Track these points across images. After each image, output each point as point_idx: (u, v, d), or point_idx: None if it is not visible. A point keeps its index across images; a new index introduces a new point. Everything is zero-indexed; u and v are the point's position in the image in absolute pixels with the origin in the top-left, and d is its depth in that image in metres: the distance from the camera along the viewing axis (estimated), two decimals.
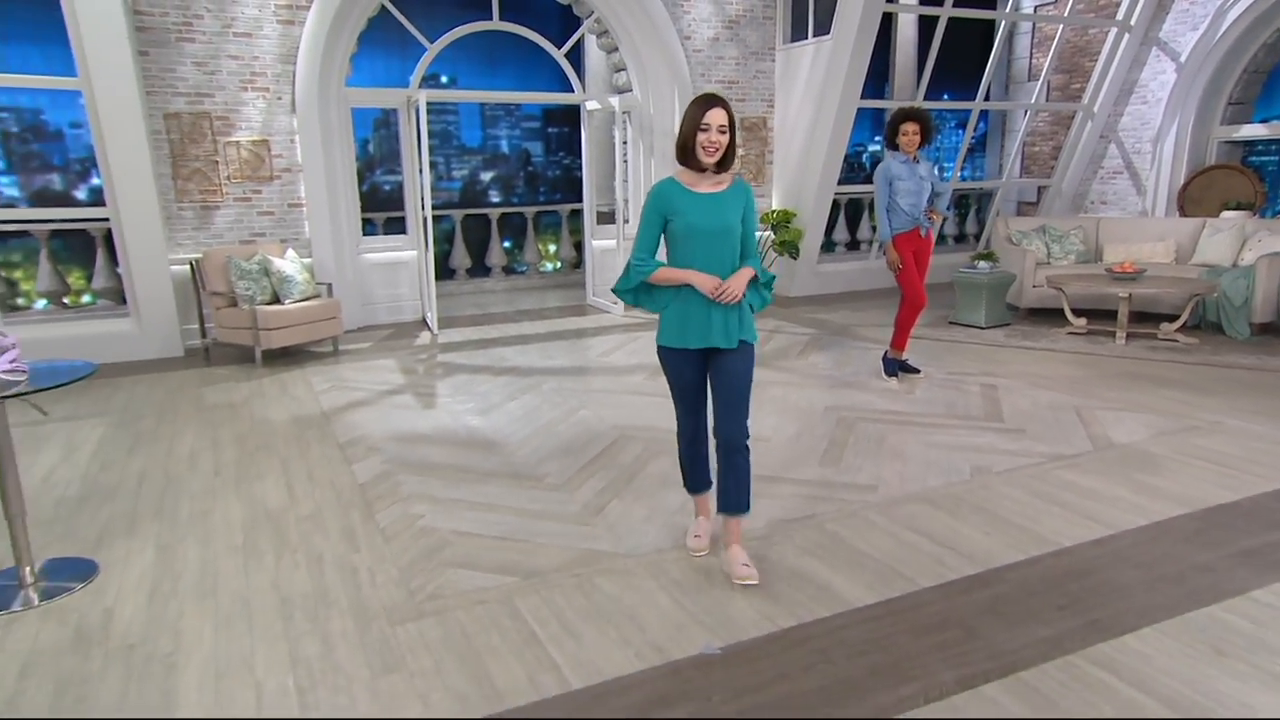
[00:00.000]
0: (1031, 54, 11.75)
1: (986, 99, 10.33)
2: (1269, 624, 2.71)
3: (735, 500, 3.06)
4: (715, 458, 3.12)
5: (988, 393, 5.51)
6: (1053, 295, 7.55)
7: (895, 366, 5.92)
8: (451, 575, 3.12)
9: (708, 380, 3.05)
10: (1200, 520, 3.50)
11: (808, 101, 9.13)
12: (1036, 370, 6.08)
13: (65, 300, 8.32)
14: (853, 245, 11.11)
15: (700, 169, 2.86)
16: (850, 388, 5.70)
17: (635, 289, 3.00)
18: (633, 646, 2.65)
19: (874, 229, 10.28)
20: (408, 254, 8.56)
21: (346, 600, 2.96)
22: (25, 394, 2.90)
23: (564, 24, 9.60)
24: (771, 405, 5.27)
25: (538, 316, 8.82)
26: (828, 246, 10.83)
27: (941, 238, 11.66)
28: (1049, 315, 7.80)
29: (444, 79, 13.18)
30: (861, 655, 2.59)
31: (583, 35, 9.27)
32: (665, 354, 3.03)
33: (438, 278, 9.79)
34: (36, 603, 2.98)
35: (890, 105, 10.34)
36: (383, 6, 7.85)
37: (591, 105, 9.08)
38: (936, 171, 5.81)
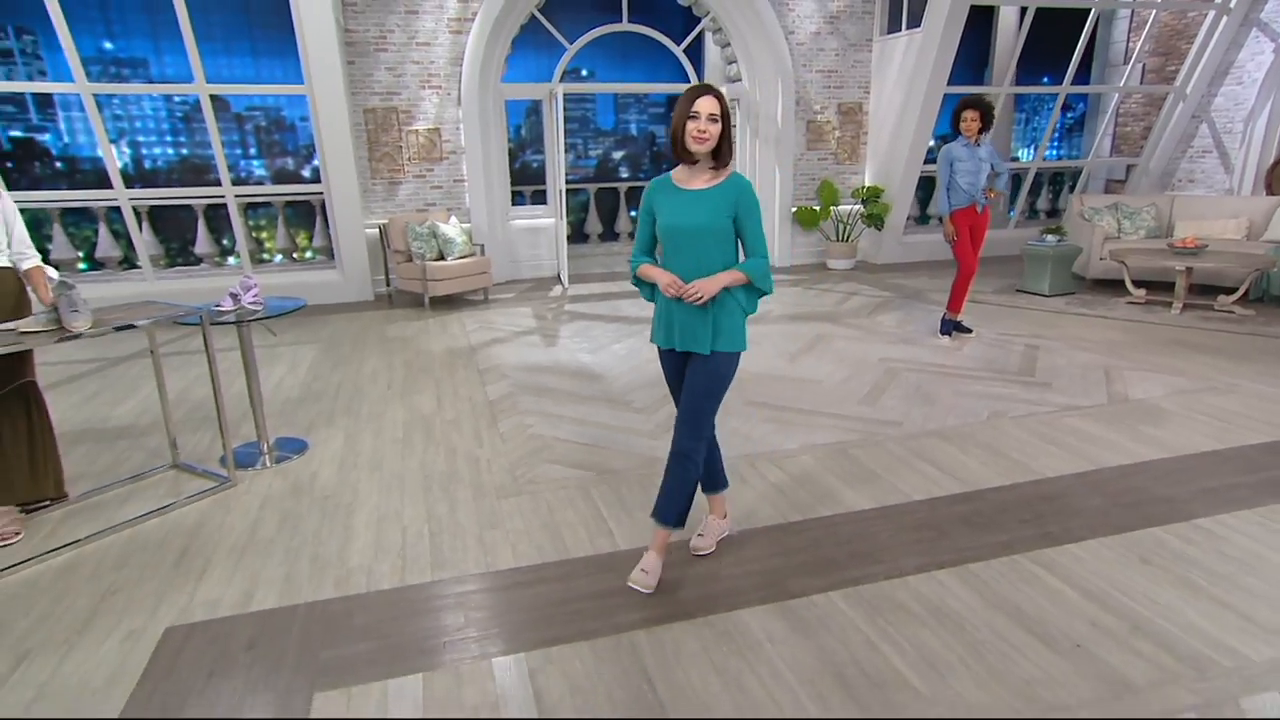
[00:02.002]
0: (1129, 37, 10.84)
1: (1086, 81, 9.71)
2: (1200, 544, 2.82)
3: (661, 505, 2.60)
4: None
5: (1028, 351, 5.49)
6: (1117, 268, 7.23)
7: (950, 326, 5.96)
8: (546, 468, 3.65)
9: None
10: (1178, 463, 3.54)
11: (899, 88, 8.95)
12: (1082, 334, 5.95)
13: (294, 255, 9.50)
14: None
15: (692, 161, 2.43)
16: (906, 343, 5.81)
17: (638, 283, 2.67)
18: None
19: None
20: (547, 221, 9.16)
21: (469, 479, 3.55)
22: (262, 319, 3.61)
23: (687, 23, 9.78)
24: (831, 355, 5.50)
25: None
26: (923, 220, 10.60)
27: (1033, 213, 11.12)
28: (1113, 286, 7.48)
29: (584, 73, 13.68)
30: (845, 544, 2.91)
31: (701, 32, 9.43)
32: (660, 353, 2.67)
33: (573, 242, 10.43)
34: (269, 465, 3.76)
35: (979, 91, 9.93)
36: (532, 15, 8.34)
37: None
38: (996, 154, 5.73)
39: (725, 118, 2.40)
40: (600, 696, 2.11)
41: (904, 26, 8.88)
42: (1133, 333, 5.99)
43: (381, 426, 4.27)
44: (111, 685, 2.20)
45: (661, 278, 2.47)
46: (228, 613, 2.54)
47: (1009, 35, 12.34)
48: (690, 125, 2.36)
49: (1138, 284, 7.04)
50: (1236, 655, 2.22)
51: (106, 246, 8.54)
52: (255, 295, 3.64)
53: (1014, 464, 3.59)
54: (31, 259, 3.15)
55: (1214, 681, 2.11)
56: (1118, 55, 11.16)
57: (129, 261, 8.56)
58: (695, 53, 9.60)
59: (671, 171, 2.52)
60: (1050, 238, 7.37)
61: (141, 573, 2.80)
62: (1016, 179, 10.76)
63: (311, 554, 2.91)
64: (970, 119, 5.48)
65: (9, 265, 3.11)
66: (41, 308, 3.00)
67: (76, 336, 2.91)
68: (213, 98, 7.27)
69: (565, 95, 8.25)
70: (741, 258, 2.54)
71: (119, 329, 3.09)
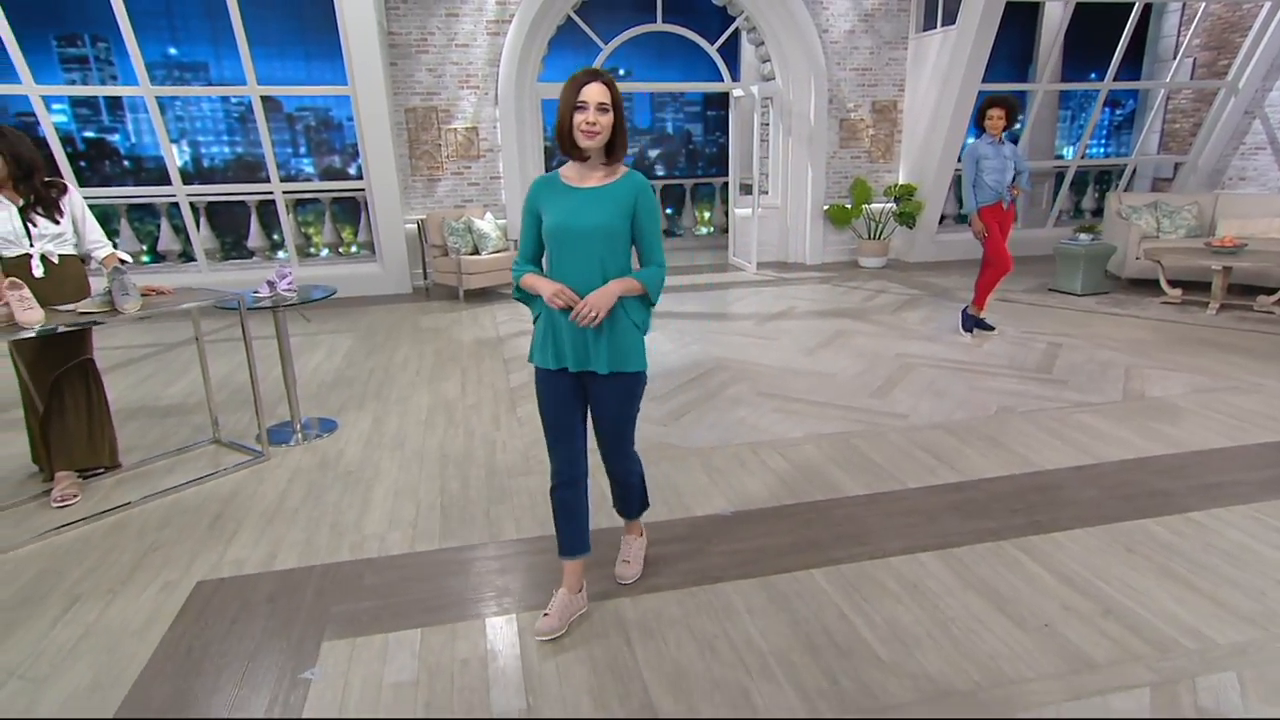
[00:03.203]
0: (1179, 31, 10.54)
1: (1135, 78, 9.47)
2: (1188, 536, 2.84)
3: (628, 509, 2.66)
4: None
5: (1050, 350, 5.46)
6: (1152, 267, 7.09)
7: (972, 323, 5.95)
8: None
9: (586, 408, 2.36)
10: (1183, 459, 3.53)
11: (934, 86, 8.89)
12: (1108, 333, 5.88)
13: (340, 250, 9.91)
14: None
15: (582, 157, 2.15)
16: (926, 340, 5.83)
17: (520, 296, 2.33)
18: (669, 505, 3.23)
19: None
20: None
21: (483, 459, 3.75)
22: (296, 305, 3.86)
23: (722, 22, 9.87)
24: (850, 350, 5.55)
25: (685, 272, 9.37)
26: (961, 220, 10.48)
27: (1078, 212, 10.89)
28: (1148, 287, 7.33)
29: (621, 72, 13.86)
30: (835, 526, 3.01)
31: (736, 31, 9.51)
32: (536, 375, 2.33)
33: None
34: (300, 442, 4.01)
35: (1018, 88, 9.79)
36: (569, 16, 8.54)
37: (737, 92, 9.36)
38: (1019, 153, 5.71)
39: (617, 107, 2.13)
40: (581, 654, 2.27)
41: (939, 23, 8.82)
42: (1162, 332, 5.89)
43: (407, 410, 4.50)
44: (147, 628, 2.44)
45: (547, 287, 2.15)
46: (252, 571, 2.78)
47: (1053, 32, 12.12)
48: (578, 117, 2.09)
49: (1174, 284, 6.90)
50: (1201, 638, 2.26)
51: (167, 240, 9.06)
52: (290, 283, 3.89)
53: (1013, 456, 3.63)
54: (105, 248, 3.48)
55: (1174, 661, 2.16)
56: (1167, 50, 10.86)
57: (187, 255, 9.06)
58: (730, 52, 9.69)
59: (559, 169, 2.26)
60: (1083, 236, 7.26)
61: (180, 533, 3.06)
62: (1058, 177, 10.57)
63: (331, 522, 3.14)
64: (996, 117, 5.47)
65: (74, 253, 3.42)
66: (100, 291, 3.29)
67: (129, 317, 3.19)
68: (264, 99, 7.67)
69: None
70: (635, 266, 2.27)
71: (164, 311, 3.37)
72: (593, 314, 2.11)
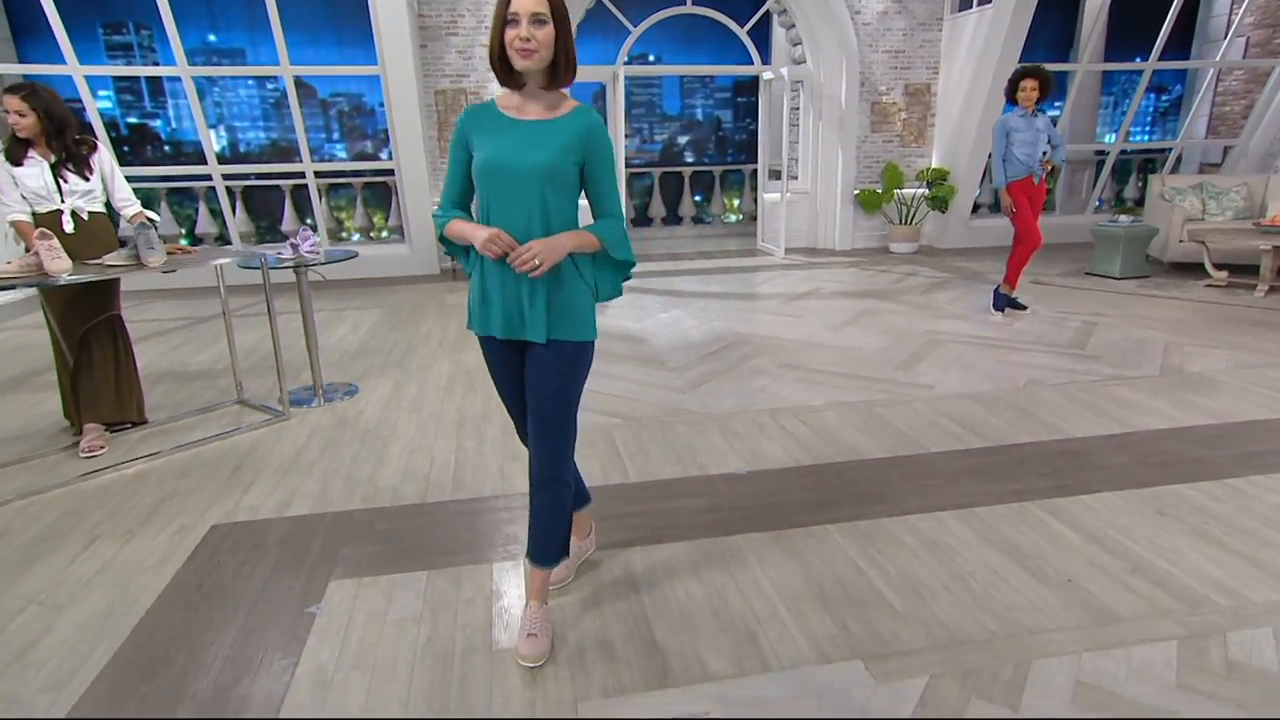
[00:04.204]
0: (1231, 9, 10.16)
1: (1184, 59, 9.16)
2: (1225, 501, 2.71)
3: (537, 546, 2.00)
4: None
5: (1084, 328, 5.29)
6: (1197, 250, 6.84)
7: (1004, 302, 5.79)
8: (581, 415, 3.79)
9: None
10: (1222, 430, 3.39)
11: (969, 67, 8.69)
12: (1148, 313, 5.68)
13: (371, 235, 10.03)
14: None
15: (519, 84, 1.81)
16: (954, 318, 5.69)
17: (449, 249, 2.02)
18: (683, 464, 3.18)
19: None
20: None
21: (499, 421, 3.74)
22: (314, 264, 3.89)
23: (752, 4, 9.77)
24: (876, 327, 5.45)
25: (712, 256, 9.30)
26: (995, 208, 10.24)
27: (1120, 201, 10.57)
28: (1191, 270, 7.08)
29: (651, 57, 13.86)
30: (852, 486, 2.94)
31: (767, 14, 9.40)
32: (481, 343, 2.00)
33: (636, 225, 10.60)
34: (321, 404, 4.05)
35: (1057, 68, 9.52)
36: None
37: (767, 75, 9.26)
38: (1054, 127, 5.54)
39: (559, 18, 1.74)
40: (585, 596, 2.24)
41: (975, 3, 8.61)
42: (1205, 313, 5.68)
43: (427, 378, 4.52)
44: (162, 564, 2.47)
45: (478, 233, 1.78)
46: (266, 516, 2.80)
47: (1095, 10, 11.78)
48: (509, 34, 1.73)
49: (1220, 267, 6.64)
50: (1235, 596, 2.15)
51: (205, 224, 9.27)
52: (313, 245, 3.92)
53: (1042, 424, 3.51)
54: (133, 206, 3.54)
55: (1205, 617, 2.06)
56: (1218, 29, 10.49)
57: (224, 239, 9.25)
58: (761, 34, 9.58)
59: (495, 97, 1.90)
60: (1123, 218, 7.04)
61: (199, 483, 3.10)
62: (1098, 164, 10.27)
63: (347, 475, 3.15)
64: (1029, 88, 5.32)
65: (102, 210, 3.49)
66: (126, 245, 3.35)
67: (154, 270, 3.24)
68: (297, 83, 7.78)
69: (629, 78, 8.40)
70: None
71: (189, 267, 3.42)
72: (535, 260, 1.72)
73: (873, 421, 3.61)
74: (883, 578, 2.30)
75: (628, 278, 2.03)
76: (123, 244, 3.44)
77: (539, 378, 1.90)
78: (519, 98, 1.84)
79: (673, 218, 11.15)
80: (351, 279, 7.93)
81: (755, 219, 10.87)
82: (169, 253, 3.44)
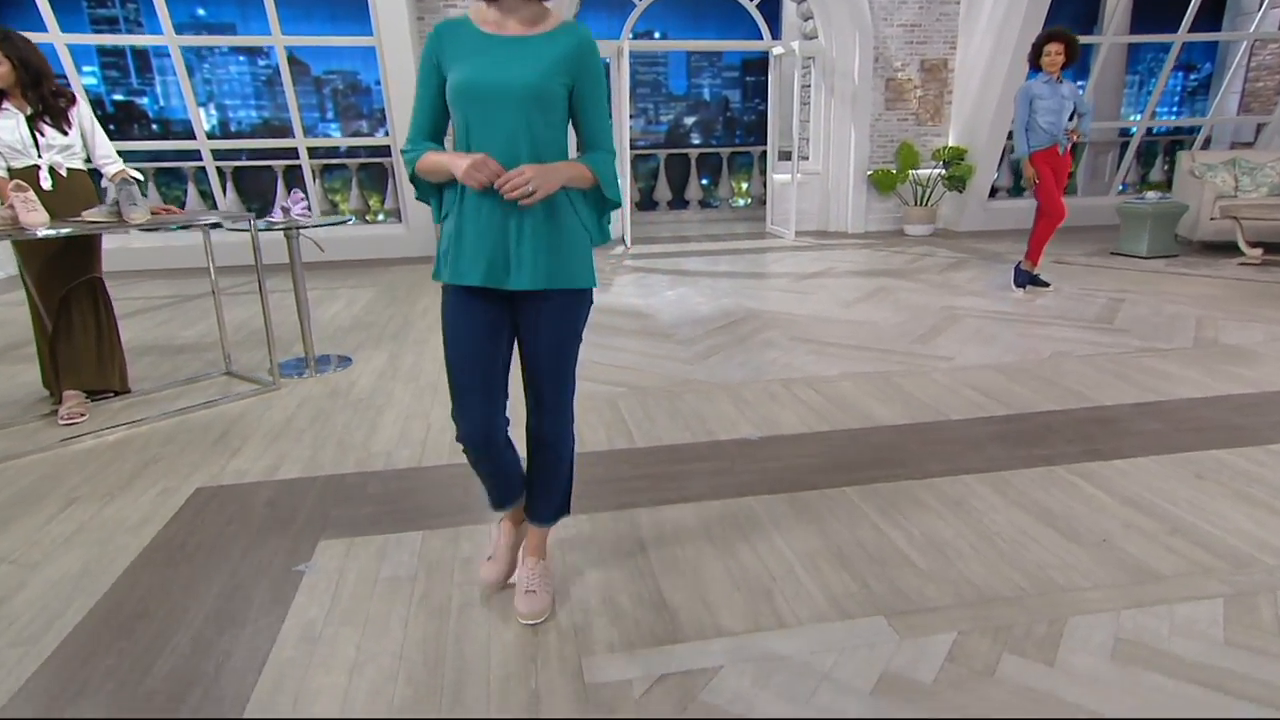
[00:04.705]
0: None
1: (1212, 30, 9.07)
2: (1269, 465, 2.65)
3: (538, 506, 1.97)
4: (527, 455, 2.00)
5: (1111, 304, 5.22)
6: (1229, 228, 6.75)
7: (1025, 278, 5.72)
8: (583, 385, 3.71)
9: (513, 346, 1.84)
10: (1261, 398, 3.31)
11: (988, 41, 8.60)
12: (1178, 290, 5.60)
13: (366, 218, 9.99)
14: None
15: None
16: (973, 295, 5.62)
17: (419, 191, 1.79)
18: (691, 430, 3.12)
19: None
20: None
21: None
22: (308, 226, 3.84)
23: None
24: (891, 303, 5.38)
25: (719, 239, 9.24)
26: (1015, 191, 10.16)
27: (1144, 185, 10.47)
28: (1224, 250, 6.99)
29: (656, 34, 13.81)
30: (871, 451, 2.88)
31: None
32: (444, 298, 1.78)
33: (642, 209, 10.54)
34: (312, 375, 4.00)
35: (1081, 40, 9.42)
36: None
37: (777, 51, 9.19)
38: (1080, 94, 5.46)
39: None
40: (590, 553, 2.18)
41: None
42: (1239, 290, 5.59)
43: (425, 350, 4.46)
44: (142, 525, 2.42)
45: (459, 161, 1.59)
46: (253, 480, 2.74)
47: None
48: None
49: (1253, 244, 6.56)
50: None
51: (193, 204, 9.22)
52: (304, 208, 3.87)
53: (1069, 393, 3.44)
54: (115, 164, 3.48)
55: (1252, 576, 1.99)
56: (1252, 1, 10.37)
57: (215, 222, 9.20)
58: (770, 8, 9.50)
59: (468, 11, 1.72)
60: (1151, 194, 6.95)
61: (183, 448, 3.05)
62: (1122, 146, 10.18)
63: (339, 440, 3.10)
64: (1054, 53, 5.24)
65: (81, 168, 3.44)
66: (107, 201, 3.29)
67: (136, 227, 3.19)
68: (291, 61, 7.73)
69: (633, 54, 8.33)
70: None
71: (177, 228, 3.37)
72: (528, 187, 1.56)
73: (890, 390, 3.54)
74: (904, 537, 2.23)
75: (609, 221, 1.88)
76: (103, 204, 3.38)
77: (535, 334, 1.76)
78: (497, 11, 1.66)
79: (679, 202, 11.08)
80: (345, 260, 7.89)
81: (764, 203, 10.80)
82: (153, 212, 3.39)
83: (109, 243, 4.15)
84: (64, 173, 3.35)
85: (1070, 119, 5.37)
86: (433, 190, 1.77)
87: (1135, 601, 1.90)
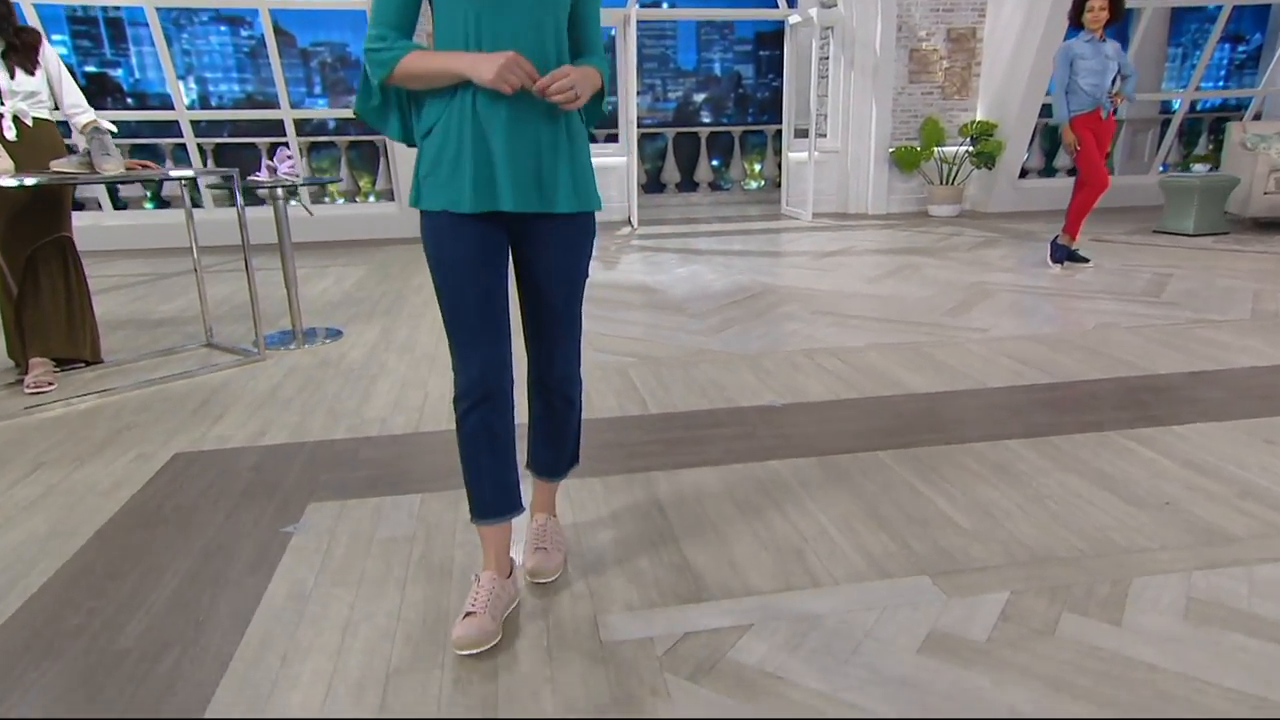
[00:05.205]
0: None
1: None
2: None
3: (553, 459, 1.87)
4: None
5: (1157, 279, 5.14)
6: None
7: (1064, 253, 5.64)
8: (592, 355, 3.67)
9: (508, 281, 1.64)
10: None
11: (1019, 8, 8.53)
12: (1231, 265, 5.52)
13: (357, 200, 9.94)
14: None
15: None
16: (1006, 271, 5.55)
17: (380, 102, 1.58)
18: (709, 398, 3.06)
19: None
20: (617, 160, 9.17)
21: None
22: (299, 184, 3.78)
23: None
24: (916, 279, 5.31)
25: (731, 220, 9.18)
26: (1047, 171, 10.09)
27: (1186, 166, 10.38)
28: (1279, 226, 6.90)
29: (664, 4, 13.73)
30: (904, 417, 2.81)
31: None
32: (428, 229, 1.59)
33: (648, 191, 10.48)
34: (300, 347, 3.94)
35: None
36: None
37: (794, 20, 9.13)
38: (1125, 53, 5.38)
39: None
40: (602, 514, 2.12)
41: None
42: None
43: (420, 324, 4.40)
44: (116, 489, 2.36)
45: (482, 63, 1.42)
46: (237, 445, 2.68)
47: None
48: None
49: None
50: None
51: (172, 186, 9.19)
52: (291, 166, 3.82)
53: (1118, 362, 3.37)
54: (86, 114, 3.41)
55: None
56: None
57: (195, 202, 9.17)
58: None
59: None
60: (1198, 166, 6.87)
61: (160, 416, 2.99)
62: (1164, 125, 10.09)
63: (329, 408, 3.03)
64: (1098, 8, 5.16)
65: (49, 118, 3.38)
66: (77, 156, 3.24)
67: (109, 179, 3.14)
68: (276, 32, 7.70)
69: (641, 23, 8.28)
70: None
71: (158, 179, 3.31)
72: (572, 92, 1.46)
73: (921, 360, 3.47)
74: (946, 500, 2.16)
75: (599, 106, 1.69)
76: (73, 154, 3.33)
77: (548, 262, 1.63)
78: None
79: (687, 183, 11.02)
80: (334, 240, 7.85)
81: (779, 185, 10.73)
82: (127, 168, 3.33)
83: (78, 220, 4.08)
84: (29, 122, 3.29)
85: (1113, 81, 5.29)
86: (403, 102, 1.59)
87: (1208, 563, 1.82)
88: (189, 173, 3.56)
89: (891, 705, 1.39)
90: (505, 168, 1.51)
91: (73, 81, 3.43)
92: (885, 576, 1.80)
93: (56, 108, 3.41)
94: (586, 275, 1.73)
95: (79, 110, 3.41)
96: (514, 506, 1.71)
